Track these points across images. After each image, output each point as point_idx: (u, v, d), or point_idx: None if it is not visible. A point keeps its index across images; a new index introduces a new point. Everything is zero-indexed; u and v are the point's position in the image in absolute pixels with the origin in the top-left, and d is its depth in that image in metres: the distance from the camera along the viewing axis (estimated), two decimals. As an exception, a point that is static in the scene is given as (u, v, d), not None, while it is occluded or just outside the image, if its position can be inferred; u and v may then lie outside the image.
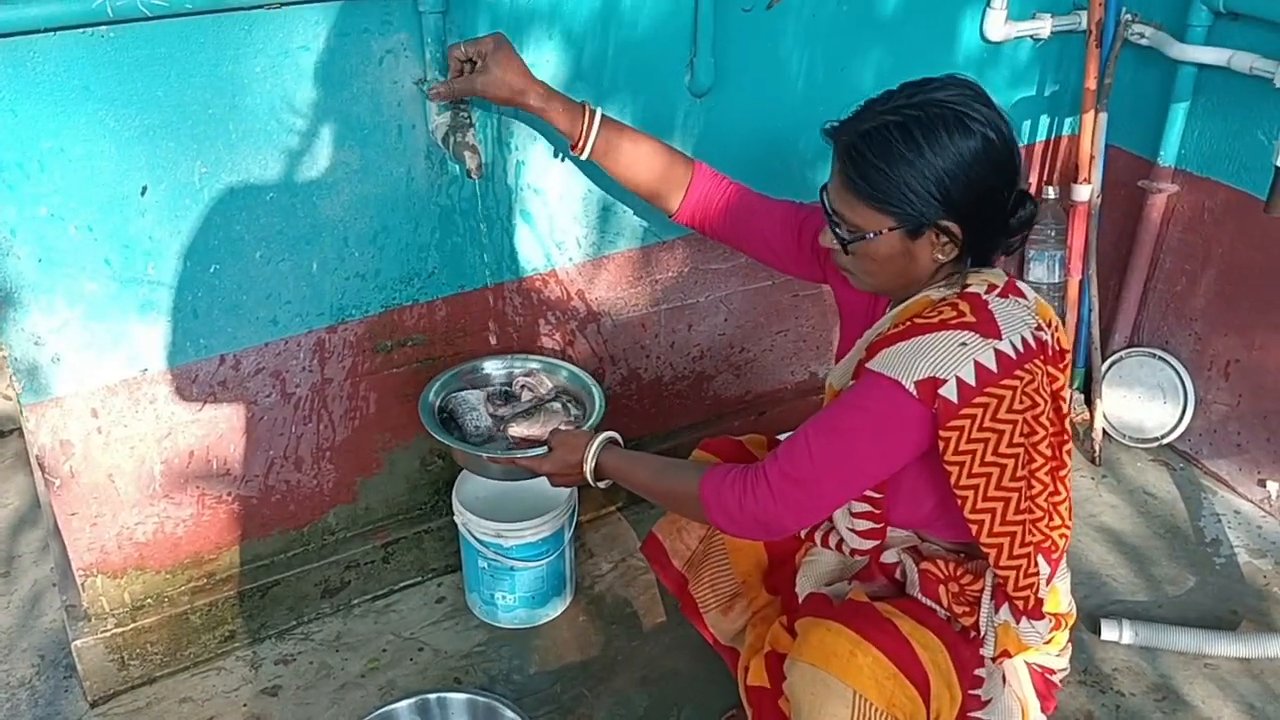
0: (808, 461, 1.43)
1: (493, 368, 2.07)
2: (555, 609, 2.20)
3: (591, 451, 1.66)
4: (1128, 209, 2.59)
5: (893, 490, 1.54)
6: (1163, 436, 2.62)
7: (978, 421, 1.36)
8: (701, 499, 1.51)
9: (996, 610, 1.50)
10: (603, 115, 1.76)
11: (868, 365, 1.42)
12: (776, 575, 1.80)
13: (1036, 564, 1.45)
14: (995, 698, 1.52)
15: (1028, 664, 1.58)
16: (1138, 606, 2.20)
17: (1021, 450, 1.40)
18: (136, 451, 1.86)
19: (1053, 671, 1.61)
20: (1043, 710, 1.59)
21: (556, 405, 1.93)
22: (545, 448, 1.75)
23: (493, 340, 2.14)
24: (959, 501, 1.41)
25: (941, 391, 1.35)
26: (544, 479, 1.76)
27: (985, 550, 1.44)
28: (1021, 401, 1.37)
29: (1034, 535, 1.44)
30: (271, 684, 2.02)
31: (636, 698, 2.01)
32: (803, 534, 1.71)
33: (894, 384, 1.37)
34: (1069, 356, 1.51)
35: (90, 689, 1.95)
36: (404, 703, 1.89)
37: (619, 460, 1.66)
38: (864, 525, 1.59)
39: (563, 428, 1.84)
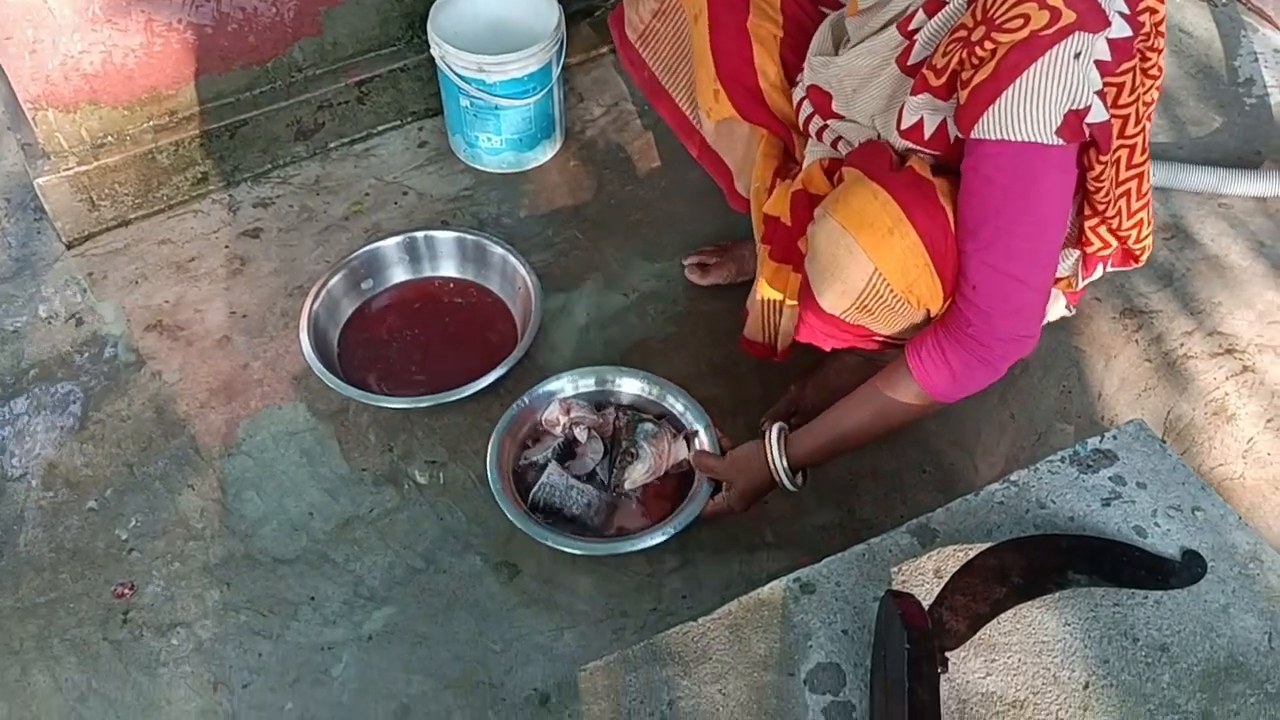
0: (995, 273, 1.21)
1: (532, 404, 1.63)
2: (545, 153, 2.08)
3: (776, 456, 1.39)
4: None
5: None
6: (1208, -32, 2.39)
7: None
8: (929, 390, 1.28)
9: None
10: None
11: (978, 135, 1.15)
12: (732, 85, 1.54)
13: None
14: None
15: None
16: (1156, 149, 2.08)
17: (1140, 133, 1.23)
18: (66, -34, 1.65)
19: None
20: (1069, 305, 1.48)
21: (648, 425, 1.57)
22: (705, 484, 1.49)
23: None
24: (1097, 207, 1.27)
25: (1089, 120, 1.12)
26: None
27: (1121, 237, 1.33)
28: (1138, 82, 1.18)
29: (1142, 200, 1.32)
30: (252, 226, 1.94)
31: (631, 240, 1.94)
32: (807, 128, 1.48)
33: (1034, 148, 1.13)
34: None
35: (63, 230, 1.88)
36: (391, 240, 1.83)
37: (810, 440, 1.39)
38: (928, 154, 1.32)
39: (686, 443, 1.56)
